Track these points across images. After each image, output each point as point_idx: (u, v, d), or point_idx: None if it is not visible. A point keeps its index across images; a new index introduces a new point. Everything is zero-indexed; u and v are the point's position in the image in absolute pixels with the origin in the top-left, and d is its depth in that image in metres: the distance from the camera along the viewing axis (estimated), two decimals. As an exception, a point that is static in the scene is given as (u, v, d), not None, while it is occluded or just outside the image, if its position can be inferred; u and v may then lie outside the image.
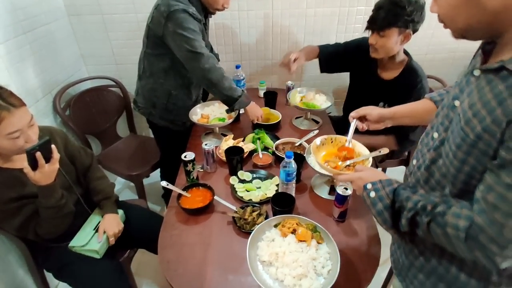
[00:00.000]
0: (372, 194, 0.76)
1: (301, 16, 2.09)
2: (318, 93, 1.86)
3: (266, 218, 1.13)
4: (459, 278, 0.72)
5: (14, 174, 1.08)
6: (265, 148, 1.52)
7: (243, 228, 1.11)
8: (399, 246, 0.87)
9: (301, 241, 0.98)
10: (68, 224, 1.19)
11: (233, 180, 1.33)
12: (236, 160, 1.34)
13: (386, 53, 1.53)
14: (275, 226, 1.05)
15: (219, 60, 1.61)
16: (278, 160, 1.43)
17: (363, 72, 1.72)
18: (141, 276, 1.75)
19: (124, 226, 1.33)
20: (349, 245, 1.06)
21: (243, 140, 1.55)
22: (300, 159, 1.26)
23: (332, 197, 1.19)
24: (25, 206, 1.10)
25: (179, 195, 1.23)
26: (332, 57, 1.82)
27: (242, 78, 1.95)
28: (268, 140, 1.55)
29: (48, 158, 1.00)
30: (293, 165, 1.14)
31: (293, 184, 1.19)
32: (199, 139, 1.66)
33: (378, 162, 1.92)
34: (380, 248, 1.05)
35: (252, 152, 1.49)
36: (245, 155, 1.42)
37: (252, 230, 1.03)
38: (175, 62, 1.55)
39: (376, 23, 1.45)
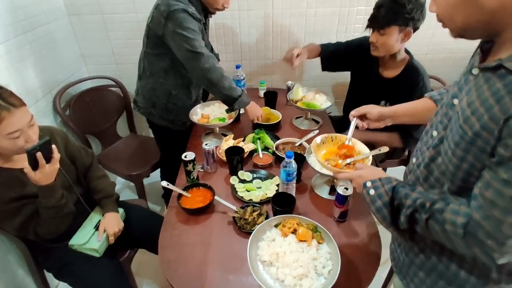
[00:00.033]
0: (372, 191, 0.78)
1: (301, 16, 2.09)
2: (318, 93, 1.86)
3: (267, 218, 1.13)
4: (459, 275, 0.73)
5: (14, 174, 1.08)
6: (265, 148, 1.52)
7: (243, 228, 1.11)
8: (399, 244, 0.88)
9: (301, 241, 0.98)
10: (68, 224, 1.19)
11: (233, 180, 1.33)
12: (236, 160, 1.34)
13: (386, 51, 1.53)
14: (276, 226, 1.05)
15: (219, 60, 1.61)
16: (278, 160, 1.43)
17: (364, 70, 1.73)
18: (141, 276, 1.75)
19: (124, 226, 1.33)
20: (350, 245, 1.06)
21: (243, 140, 1.55)
22: (301, 159, 1.26)
23: (333, 197, 1.19)
24: (25, 206, 1.10)
25: (180, 195, 1.23)
26: (333, 56, 1.83)
27: (242, 78, 1.95)
28: (268, 140, 1.55)
29: (48, 158, 1.00)
30: (294, 165, 1.14)
31: (294, 184, 1.19)
32: (199, 139, 1.66)
33: (379, 162, 1.92)
34: (381, 248, 1.05)
35: (253, 152, 1.49)
36: (245, 155, 1.42)
37: (253, 230, 1.03)
38: (175, 62, 1.55)
39: (377, 21, 1.46)
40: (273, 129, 1.70)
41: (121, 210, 1.37)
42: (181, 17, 1.40)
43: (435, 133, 0.74)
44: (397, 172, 2.08)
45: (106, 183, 1.36)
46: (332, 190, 1.26)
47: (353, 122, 1.12)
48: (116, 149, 2.14)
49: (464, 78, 0.68)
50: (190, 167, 1.29)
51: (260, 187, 1.30)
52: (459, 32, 0.63)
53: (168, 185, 1.25)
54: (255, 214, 1.14)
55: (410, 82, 1.53)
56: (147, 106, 1.72)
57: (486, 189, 0.58)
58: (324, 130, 1.65)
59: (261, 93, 2.02)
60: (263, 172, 1.39)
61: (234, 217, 1.15)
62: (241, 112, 1.74)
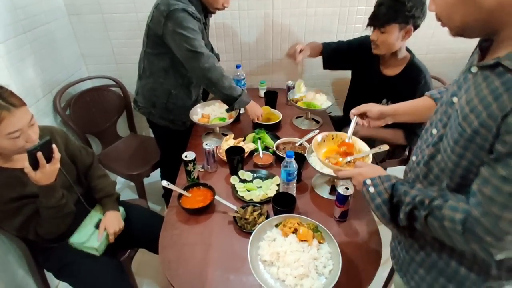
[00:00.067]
0: (371, 189, 0.78)
1: (301, 16, 2.09)
2: (319, 93, 1.86)
3: (267, 218, 1.13)
4: (459, 272, 0.73)
5: (14, 174, 1.08)
6: (266, 148, 1.52)
7: (244, 228, 1.11)
8: (399, 242, 0.89)
9: (302, 240, 0.98)
10: (69, 224, 1.19)
11: (233, 180, 1.33)
12: (236, 159, 1.34)
13: (387, 49, 1.54)
14: (276, 225, 1.05)
15: (219, 60, 1.61)
16: (278, 159, 1.43)
17: (366, 69, 1.73)
18: (142, 276, 1.75)
19: (125, 225, 1.32)
20: (351, 245, 1.06)
21: (243, 140, 1.55)
22: (301, 159, 1.26)
23: (333, 197, 1.19)
24: (25, 206, 1.09)
25: (180, 195, 1.23)
26: (335, 54, 1.84)
27: (242, 77, 1.95)
28: (268, 140, 1.55)
29: (49, 158, 1.00)
30: (294, 164, 1.14)
31: (294, 184, 1.19)
32: (200, 139, 1.66)
33: (379, 162, 1.92)
34: (381, 247, 1.05)
35: (253, 152, 1.49)
36: (245, 155, 1.42)
37: (253, 230, 1.03)
38: (175, 61, 1.54)
39: (377, 19, 1.47)
40: (273, 129, 1.70)
41: (121, 209, 1.37)
42: (181, 17, 1.40)
43: (434, 131, 0.74)
44: (397, 172, 2.07)
45: (106, 182, 1.36)
46: (333, 190, 1.26)
47: (354, 121, 1.13)
48: (116, 149, 2.14)
49: (463, 76, 0.69)
50: (190, 167, 1.29)
51: (260, 187, 1.30)
52: (458, 31, 0.63)
53: (168, 184, 1.25)
54: (255, 213, 1.14)
55: (412, 80, 1.53)
56: (147, 105, 1.72)
57: (484, 186, 0.59)
58: (324, 130, 1.64)
59: (261, 93, 2.02)
60: (263, 172, 1.39)
61: (234, 217, 1.15)
62: (241, 112, 1.74)
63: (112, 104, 2.15)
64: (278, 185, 1.29)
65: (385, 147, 1.07)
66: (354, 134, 1.15)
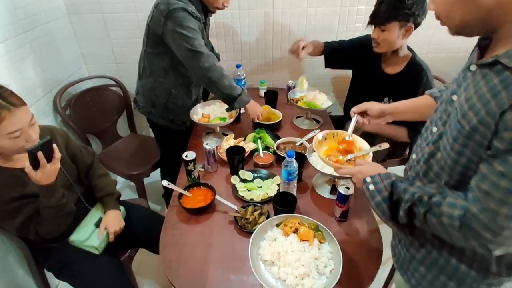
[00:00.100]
0: (371, 187, 0.79)
1: (301, 15, 2.08)
2: (319, 93, 1.85)
3: (268, 217, 1.13)
4: (460, 269, 0.74)
5: (15, 173, 1.08)
6: (266, 148, 1.52)
7: (244, 228, 1.11)
8: (399, 240, 0.89)
9: (303, 240, 0.98)
10: (69, 224, 1.19)
11: (234, 179, 1.33)
12: (237, 159, 1.34)
13: (388, 47, 1.54)
14: (277, 225, 1.05)
15: (219, 60, 1.61)
16: (279, 159, 1.43)
17: (367, 67, 1.74)
18: (142, 276, 1.75)
19: (125, 225, 1.32)
20: (351, 244, 1.06)
21: (244, 140, 1.55)
22: (302, 159, 1.26)
23: (334, 197, 1.19)
24: (26, 206, 1.09)
25: (180, 195, 1.23)
26: (336, 52, 1.85)
27: (242, 77, 1.95)
28: (269, 140, 1.55)
29: (49, 158, 1.00)
30: (295, 164, 1.14)
31: (295, 184, 1.19)
32: (200, 139, 1.66)
33: (380, 162, 1.92)
34: (382, 247, 1.05)
35: (253, 151, 1.49)
36: (246, 155, 1.42)
37: (254, 229, 1.03)
38: (175, 61, 1.54)
39: (378, 17, 1.48)
40: (273, 129, 1.70)
41: (122, 208, 1.37)
42: (180, 16, 1.40)
43: (434, 129, 0.75)
44: (398, 172, 2.07)
45: (107, 181, 1.36)
46: (333, 190, 1.26)
47: (354, 119, 1.13)
48: (116, 148, 2.14)
49: (463, 75, 0.70)
50: (191, 166, 1.29)
51: (261, 187, 1.30)
52: (457, 30, 0.64)
53: (169, 184, 1.25)
54: (256, 213, 1.14)
55: (414, 78, 1.54)
56: (147, 105, 1.72)
57: (482, 182, 0.60)
58: (325, 130, 1.63)
59: (262, 93, 2.02)
60: (264, 171, 1.39)
61: (235, 217, 1.15)
62: (241, 111, 1.74)
63: (112, 104, 2.15)
64: (278, 184, 1.29)
65: (385, 145, 1.08)
66: (357, 130, 1.15)
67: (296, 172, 1.15)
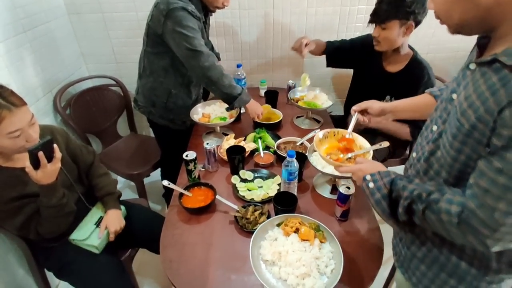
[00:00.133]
0: (371, 184, 0.80)
1: (302, 15, 2.08)
2: (320, 92, 1.85)
3: (268, 217, 1.13)
4: (460, 266, 0.75)
5: (15, 173, 1.08)
6: (267, 147, 1.52)
7: (245, 228, 1.11)
8: (400, 239, 0.90)
9: (304, 240, 0.98)
10: (69, 223, 1.18)
11: (234, 179, 1.32)
12: (237, 159, 1.33)
13: (389, 45, 1.55)
14: (278, 225, 1.05)
15: (219, 59, 1.60)
16: (279, 159, 1.43)
17: (368, 66, 1.74)
18: (142, 275, 1.75)
19: (126, 225, 1.32)
20: (352, 244, 1.05)
21: (244, 139, 1.55)
22: (302, 158, 1.26)
23: (334, 197, 1.19)
24: (26, 206, 1.09)
25: (181, 195, 1.23)
26: (338, 51, 1.85)
27: (243, 77, 1.95)
28: (269, 139, 1.55)
29: (50, 158, 1.00)
30: (295, 164, 1.14)
31: (295, 183, 1.19)
32: (200, 138, 1.66)
33: (380, 161, 1.92)
34: (383, 246, 1.05)
35: (254, 151, 1.49)
36: (246, 154, 1.42)
37: (255, 229, 1.03)
38: (175, 60, 1.54)
39: (378, 15, 1.48)
40: (274, 128, 1.70)
41: (122, 208, 1.37)
42: (180, 15, 1.39)
43: (435, 127, 0.76)
44: (398, 171, 2.08)
45: (108, 180, 1.36)
46: (334, 189, 1.26)
47: (354, 117, 1.14)
48: (116, 148, 2.13)
49: (462, 73, 0.70)
50: (191, 166, 1.29)
51: (261, 186, 1.30)
52: (456, 28, 0.65)
53: (169, 184, 1.25)
54: (256, 213, 1.14)
55: (415, 75, 1.54)
56: (147, 105, 1.72)
57: (480, 178, 0.61)
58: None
59: (262, 92, 2.02)
60: (264, 171, 1.39)
61: (235, 217, 1.14)
62: (242, 111, 1.73)
63: (112, 104, 2.15)
64: (279, 184, 1.29)
65: (385, 144, 1.08)
66: (360, 125, 1.15)
67: (297, 172, 1.15)
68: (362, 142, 1.16)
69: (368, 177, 0.81)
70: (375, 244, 1.06)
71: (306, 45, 1.70)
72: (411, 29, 1.47)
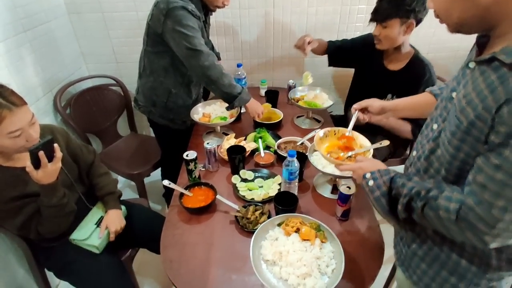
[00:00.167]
0: (371, 182, 0.81)
1: (302, 14, 2.08)
2: (320, 92, 1.85)
3: (269, 217, 1.13)
4: (460, 264, 0.75)
5: (15, 173, 1.08)
6: (267, 147, 1.52)
7: (245, 227, 1.10)
8: (401, 238, 0.90)
9: (304, 240, 0.98)
10: (70, 223, 1.18)
11: (235, 179, 1.32)
12: (238, 159, 1.33)
13: (390, 44, 1.55)
14: (279, 225, 1.04)
15: (220, 59, 1.60)
16: (280, 159, 1.43)
17: (370, 65, 1.74)
18: (143, 275, 1.75)
19: (126, 225, 1.32)
20: (353, 244, 1.05)
21: (244, 139, 1.55)
22: (303, 158, 1.26)
23: (335, 196, 1.19)
24: (26, 205, 1.09)
25: (181, 194, 1.23)
26: (339, 50, 1.86)
27: (243, 76, 1.94)
28: (270, 139, 1.54)
29: (50, 157, 1.00)
30: (296, 164, 1.13)
31: (296, 183, 1.18)
32: (201, 138, 1.66)
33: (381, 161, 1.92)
34: (384, 246, 1.05)
35: (254, 151, 1.49)
36: (247, 154, 1.42)
37: (255, 229, 1.02)
38: (175, 60, 1.54)
39: (379, 14, 1.49)
40: (274, 128, 1.70)
41: (123, 207, 1.37)
42: (180, 15, 1.39)
43: (435, 126, 0.76)
44: (398, 171, 2.09)
45: (108, 180, 1.36)
46: (335, 189, 1.26)
47: (355, 115, 1.14)
48: (116, 148, 2.13)
49: (462, 72, 0.71)
50: (191, 166, 1.29)
51: (262, 186, 1.30)
52: (456, 27, 0.65)
53: (170, 184, 1.24)
54: (257, 213, 1.14)
55: (417, 73, 1.54)
56: (147, 104, 1.71)
57: (478, 174, 0.61)
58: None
59: (262, 92, 2.02)
60: (264, 171, 1.38)
61: (236, 216, 1.14)
62: (242, 111, 1.73)
63: (113, 103, 2.15)
64: (279, 184, 1.28)
65: (385, 142, 1.08)
66: (360, 124, 1.15)
67: (297, 172, 1.15)
68: (362, 140, 1.16)
69: (368, 175, 0.82)
70: (376, 244, 1.06)
71: (309, 43, 1.71)
72: (412, 28, 1.48)
